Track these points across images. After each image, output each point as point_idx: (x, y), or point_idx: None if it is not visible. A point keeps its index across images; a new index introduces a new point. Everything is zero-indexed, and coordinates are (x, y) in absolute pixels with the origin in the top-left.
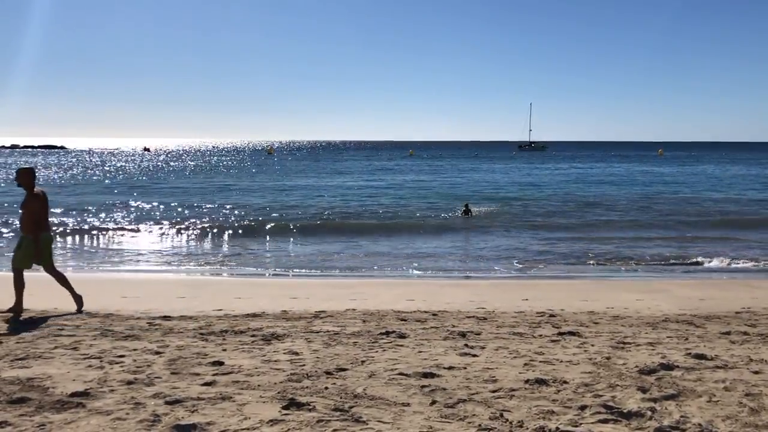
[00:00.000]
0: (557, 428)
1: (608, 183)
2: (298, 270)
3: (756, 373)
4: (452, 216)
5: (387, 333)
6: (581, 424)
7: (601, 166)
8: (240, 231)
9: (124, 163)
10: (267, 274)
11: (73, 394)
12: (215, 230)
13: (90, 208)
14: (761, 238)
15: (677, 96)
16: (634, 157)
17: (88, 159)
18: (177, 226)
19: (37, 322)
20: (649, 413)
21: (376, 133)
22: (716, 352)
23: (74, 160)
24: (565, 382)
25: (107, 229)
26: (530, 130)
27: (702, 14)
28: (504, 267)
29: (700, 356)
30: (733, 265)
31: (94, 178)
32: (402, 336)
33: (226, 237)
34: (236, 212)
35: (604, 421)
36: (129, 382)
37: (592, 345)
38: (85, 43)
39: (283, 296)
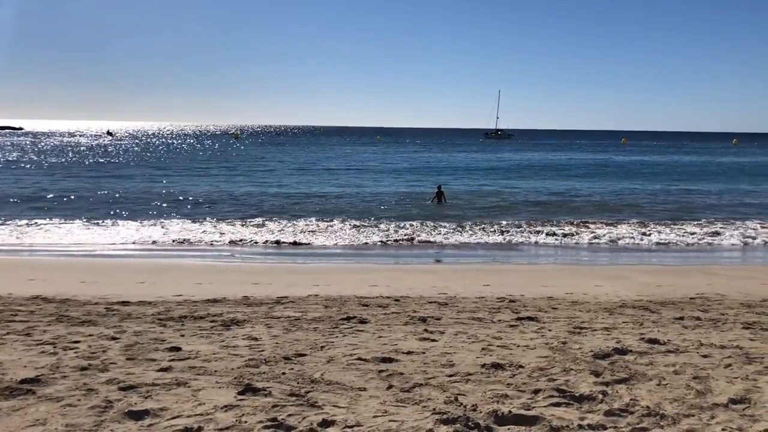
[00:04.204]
0: (510, 411)
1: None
2: (261, 255)
3: (705, 357)
4: (424, 204)
5: (348, 318)
6: (534, 407)
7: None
8: (202, 216)
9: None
10: (229, 259)
11: (24, 381)
12: (176, 216)
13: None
14: None
15: (641, 87)
16: (600, 146)
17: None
18: (130, 213)
19: None
20: (600, 396)
21: (344, 119)
22: (669, 336)
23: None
24: (521, 367)
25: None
26: (497, 118)
27: (668, 9)
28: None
29: (654, 341)
30: None
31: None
32: (363, 321)
33: (186, 223)
34: (196, 198)
35: (556, 405)
36: (82, 368)
37: (550, 330)
38: (51, 24)
39: (246, 282)
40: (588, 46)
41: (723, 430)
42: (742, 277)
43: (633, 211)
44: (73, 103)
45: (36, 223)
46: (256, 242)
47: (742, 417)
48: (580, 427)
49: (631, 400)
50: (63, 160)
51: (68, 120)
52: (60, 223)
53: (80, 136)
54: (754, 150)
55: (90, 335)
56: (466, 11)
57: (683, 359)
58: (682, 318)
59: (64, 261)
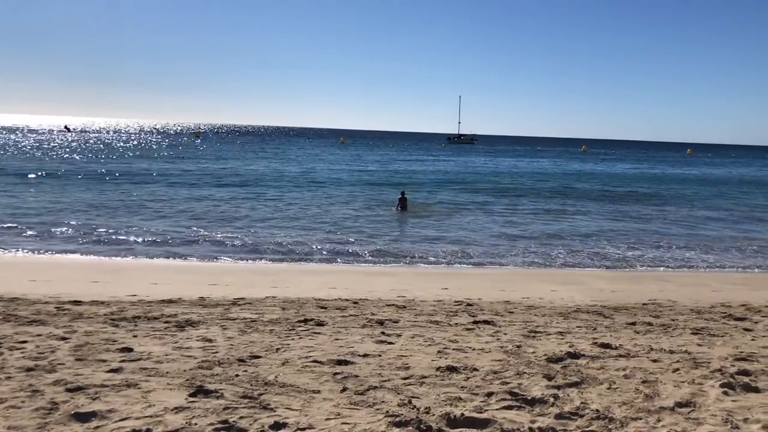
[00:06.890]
0: (462, 414)
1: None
2: (222, 255)
3: (654, 361)
4: (387, 210)
5: (305, 321)
6: (486, 410)
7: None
8: (165, 215)
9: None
10: (189, 259)
11: None
12: (138, 214)
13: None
14: None
15: (601, 96)
16: (566, 153)
17: None
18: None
19: None
20: (551, 400)
21: (306, 120)
22: (621, 341)
23: None
24: (475, 370)
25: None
26: (459, 123)
27: (633, 18)
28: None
29: (606, 345)
30: None
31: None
32: (320, 324)
33: (146, 221)
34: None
35: (509, 408)
36: (29, 369)
37: (505, 333)
38: (8, 16)
39: (203, 282)
40: (551, 52)
41: None
42: (694, 285)
43: None
44: (41, 98)
45: None
46: None
47: (687, 420)
48: (531, 430)
49: (581, 403)
50: None
51: (18, 114)
52: None
53: (29, 132)
54: (708, 160)
55: (38, 335)
56: (430, 14)
57: (634, 363)
58: (634, 323)
59: (14, 259)
